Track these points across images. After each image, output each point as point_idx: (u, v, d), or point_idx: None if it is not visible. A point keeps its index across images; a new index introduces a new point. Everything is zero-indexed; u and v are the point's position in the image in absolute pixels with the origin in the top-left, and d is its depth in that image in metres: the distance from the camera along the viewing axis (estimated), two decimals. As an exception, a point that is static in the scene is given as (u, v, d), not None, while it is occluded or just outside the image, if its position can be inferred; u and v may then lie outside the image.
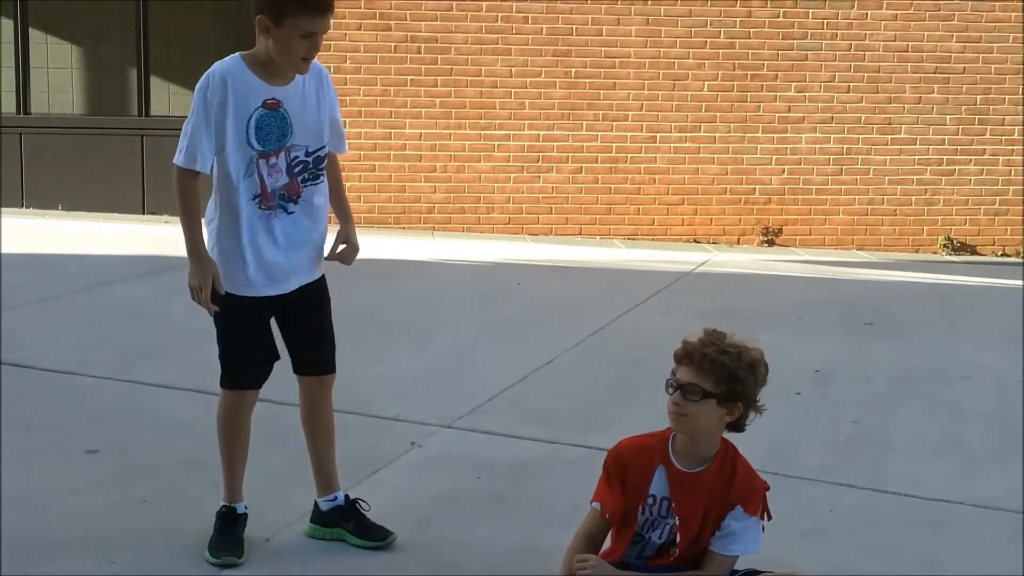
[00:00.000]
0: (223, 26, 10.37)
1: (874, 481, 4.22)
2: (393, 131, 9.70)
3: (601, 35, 9.72)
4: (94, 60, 10.49)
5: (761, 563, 3.04)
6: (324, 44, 3.31)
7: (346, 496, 3.61)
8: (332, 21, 3.28)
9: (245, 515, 3.53)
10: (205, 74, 3.32)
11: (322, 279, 3.54)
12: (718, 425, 2.88)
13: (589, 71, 9.75)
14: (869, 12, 9.82)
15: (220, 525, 3.49)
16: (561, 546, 3.09)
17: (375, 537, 3.53)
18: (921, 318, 7.00)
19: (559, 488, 4.01)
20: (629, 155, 9.87)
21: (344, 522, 3.56)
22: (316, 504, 3.62)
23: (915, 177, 10.03)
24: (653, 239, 9.89)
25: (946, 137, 10.00)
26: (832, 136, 9.95)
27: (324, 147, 3.44)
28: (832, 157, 9.97)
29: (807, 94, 9.89)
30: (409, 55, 9.60)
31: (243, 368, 3.48)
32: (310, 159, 3.40)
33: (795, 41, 9.81)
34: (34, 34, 10.32)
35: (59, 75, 10.38)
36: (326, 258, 3.53)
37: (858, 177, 9.99)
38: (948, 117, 9.97)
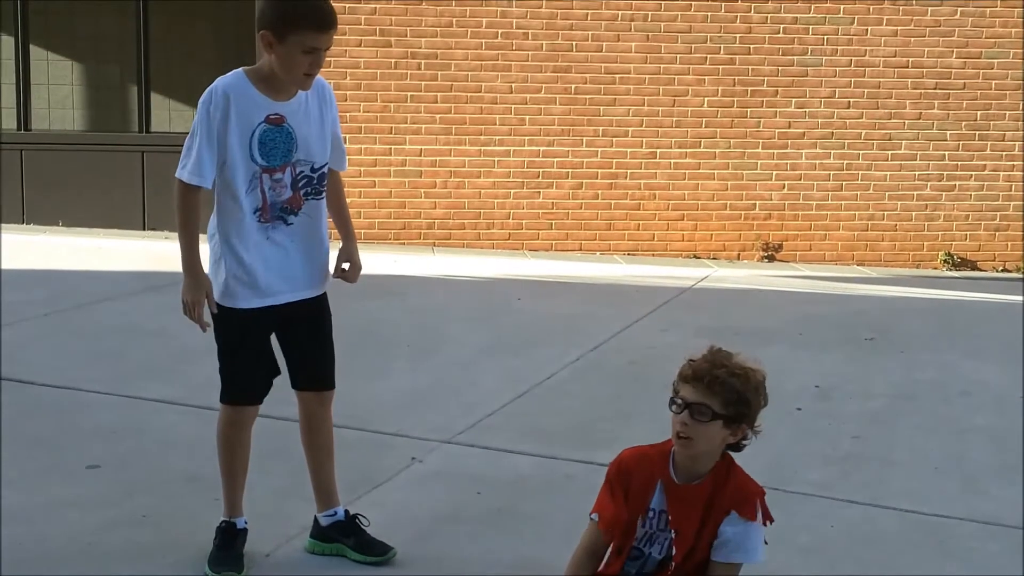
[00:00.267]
0: (223, 43, 10.41)
1: (874, 497, 4.22)
2: (393, 147, 9.72)
3: (601, 51, 9.75)
4: (94, 77, 10.52)
5: (758, 573, 3.04)
6: (324, 60, 3.32)
7: (346, 511, 3.61)
8: (334, 37, 3.29)
9: (245, 530, 3.53)
10: (208, 89, 3.33)
11: (323, 296, 3.54)
12: (720, 446, 2.87)
13: (589, 87, 9.78)
14: (869, 28, 9.85)
15: (220, 540, 3.48)
16: (561, 561, 3.09)
17: (375, 552, 3.52)
18: (921, 334, 7.00)
19: (559, 503, 4.01)
20: (629, 171, 9.89)
21: (344, 537, 3.56)
22: (316, 519, 3.62)
23: (915, 193, 10.05)
24: (653, 255, 9.89)
25: (946, 153, 10.02)
26: (832, 152, 9.96)
27: (327, 163, 3.46)
28: (832, 173, 9.99)
29: (807, 110, 9.91)
30: (409, 71, 9.63)
31: (243, 383, 3.48)
32: (315, 175, 3.41)
33: (795, 57, 9.84)
34: (35, 51, 10.35)
35: (59, 92, 10.41)
36: (334, 276, 3.54)
37: (858, 193, 10.01)
38: (948, 133, 9.99)
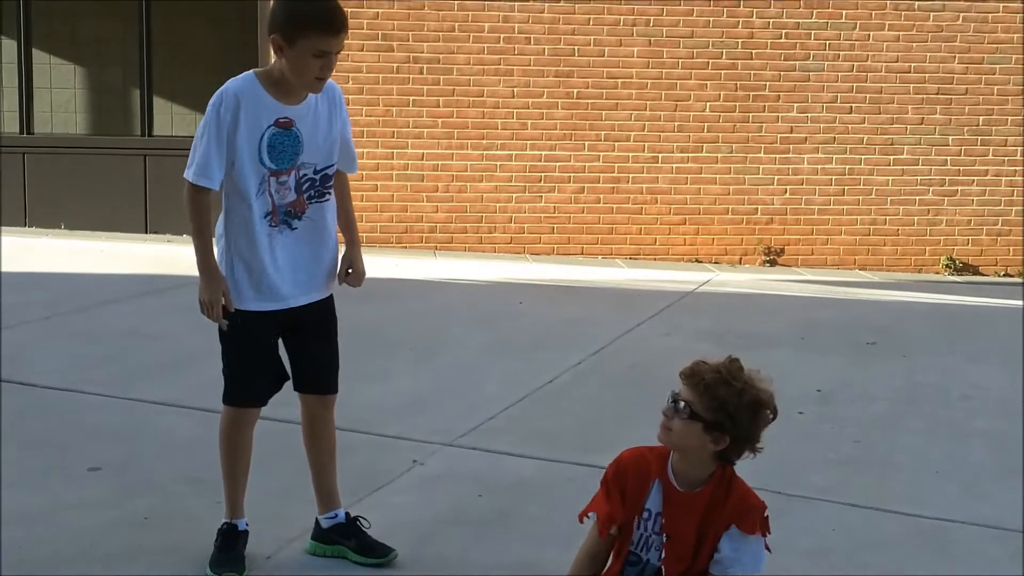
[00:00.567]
0: (226, 47, 10.42)
1: (876, 500, 4.21)
2: (395, 151, 9.73)
3: (603, 56, 9.76)
4: (97, 81, 10.54)
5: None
6: (335, 64, 3.30)
7: (347, 513, 3.61)
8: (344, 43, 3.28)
9: (246, 532, 3.52)
10: (218, 91, 3.32)
11: (330, 299, 3.54)
12: (702, 449, 2.84)
13: (591, 92, 9.78)
14: (871, 33, 9.85)
15: (221, 542, 3.48)
16: (562, 564, 3.09)
17: (376, 554, 3.52)
18: (923, 338, 7.00)
19: (560, 506, 4.00)
20: (631, 175, 9.89)
21: (345, 539, 3.56)
22: (317, 521, 3.62)
23: (917, 197, 10.05)
24: (655, 259, 9.89)
25: (948, 158, 10.03)
26: (834, 156, 9.97)
27: (332, 165, 3.44)
28: (834, 177, 9.99)
29: (809, 115, 9.91)
30: (411, 76, 9.64)
31: (245, 385, 3.48)
32: (317, 177, 3.41)
33: (797, 62, 9.85)
34: (37, 55, 10.37)
35: (62, 96, 10.43)
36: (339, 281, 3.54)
37: (860, 197, 10.01)
38: (950, 138, 9.99)
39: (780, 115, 9.89)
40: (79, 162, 10.17)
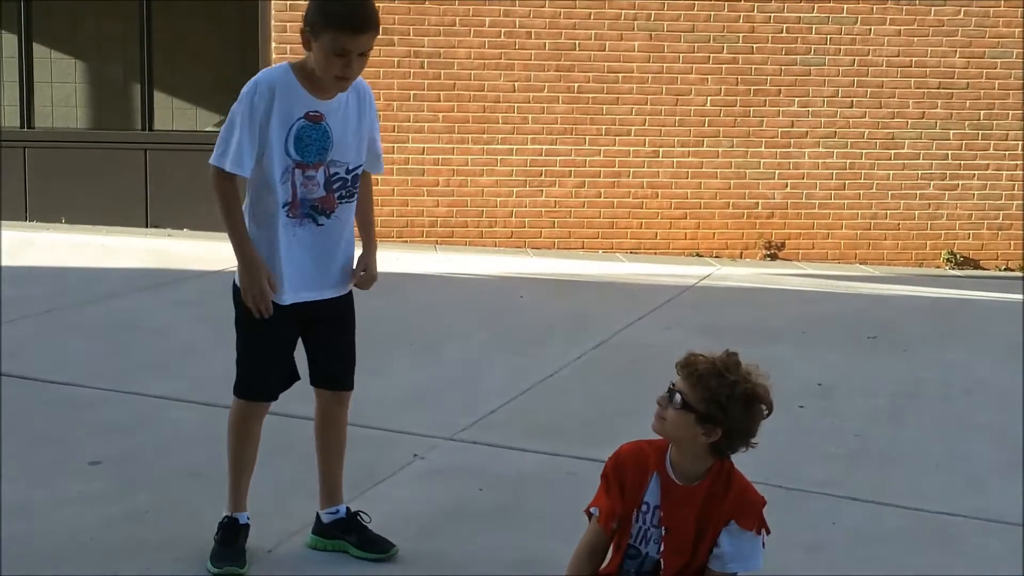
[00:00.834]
0: (227, 41, 10.41)
1: (877, 494, 4.22)
2: (396, 145, 9.71)
3: (604, 50, 9.75)
4: (98, 75, 10.53)
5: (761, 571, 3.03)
6: (363, 64, 3.28)
7: (347, 508, 3.61)
8: (370, 44, 3.23)
9: (247, 526, 3.52)
10: (253, 80, 3.32)
11: (349, 296, 3.54)
12: (694, 441, 2.84)
13: (592, 86, 9.78)
14: (872, 28, 9.84)
15: (221, 535, 3.48)
16: (563, 558, 3.09)
17: (377, 549, 3.52)
18: (924, 332, 7.00)
19: (561, 500, 4.01)
20: (632, 169, 9.89)
21: (345, 534, 3.56)
22: (318, 516, 3.62)
23: (918, 191, 10.04)
24: (656, 253, 9.89)
25: (949, 152, 10.02)
26: (835, 151, 9.96)
27: (361, 165, 3.44)
28: (835, 171, 9.98)
29: (810, 109, 9.90)
30: (412, 70, 9.63)
31: (257, 378, 3.45)
32: (349, 176, 3.40)
33: (798, 56, 9.84)
34: (38, 49, 10.36)
35: (63, 90, 10.42)
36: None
37: (861, 191, 10.01)
38: (951, 132, 9.98)
39: (781, 109, 9.88)
40: (80, 156, 10.16)
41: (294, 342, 3.50)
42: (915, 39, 9.86)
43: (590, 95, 9.78)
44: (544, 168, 9.86)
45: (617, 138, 9.84)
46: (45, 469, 4.22)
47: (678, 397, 2.81)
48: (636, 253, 9.88)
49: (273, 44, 9.59)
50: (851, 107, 9.91)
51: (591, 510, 2.99)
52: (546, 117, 9.79)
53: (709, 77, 9.81)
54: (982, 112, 9.96)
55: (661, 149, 9.88)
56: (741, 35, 9.78)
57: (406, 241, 9.76)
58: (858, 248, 10.04)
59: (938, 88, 9.92)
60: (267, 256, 3.35)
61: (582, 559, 3.00)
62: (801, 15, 9.80)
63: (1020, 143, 9.99)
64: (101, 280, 7.77)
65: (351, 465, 4.05)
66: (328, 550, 3.57)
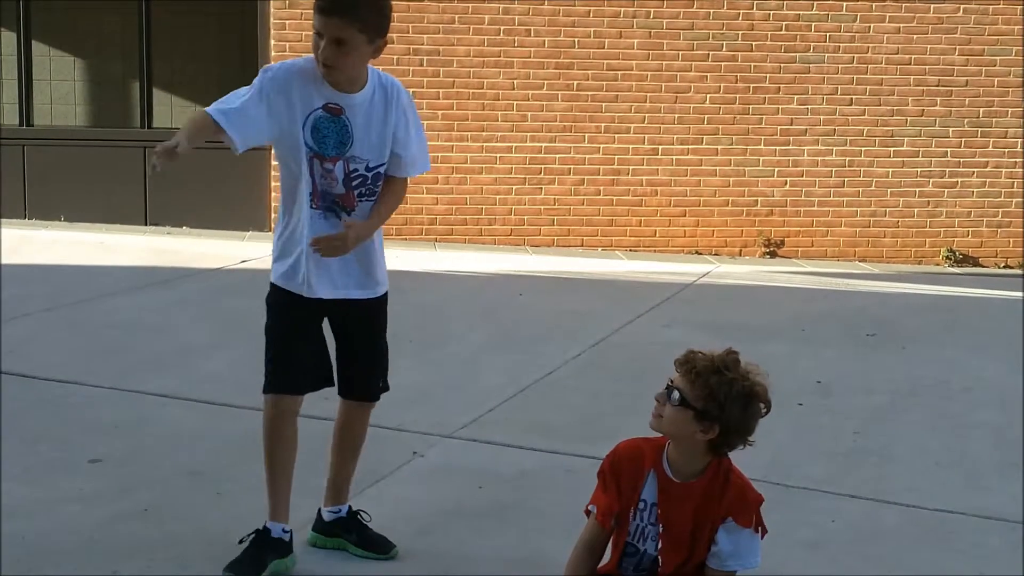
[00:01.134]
0: (226, 39, 10.40)
1: (876, 492, 4.22)
2: (396, 143, 9.71)
3: (603, 48, 9.75)
4: (97, 73, 10.52)
5: (762, 574, 3.04)
6: (341, 53, 3.17)
7: (349, 507, 3.60)
8: (340, 33, 3.13)
9: (281, 540, 3.37)
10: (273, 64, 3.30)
11: (377, 302, 3.45)
12: (692, 438, 2.84)
13: (591, 84, 9.78)
14: (871, 25, 9.85)
15: (248, 545, 3.36)
16: (562, 555, 3.09)
17: (377, 549, 3.51)
18: (923, 330, 7.00)
19: (560, 498, 4.01)
20: (631, 167, 9.89)
21: (346, 532, 3.55)
22: (320, 513, 3.61)
23: (917, 189, 10.05)
24: (655, 251, 9.90)
25: (948, 149, 10.02)
26: (834, 148, 9.96)
27: (384, 164, 3.35)
28: (834, 169, 9.99)
29: (809, 107, 9.91)
30: (411, 68, 9.63)
31: (283, 369, 3.35)
32: (369, 175, 3.31)
33: (797, 54, 9.84)
34: (37, 47, 10.35)
35: (62, 87, 10.41)
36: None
37: (860, 189, 10.01)
38: (951, 130, 9.99)
39: (780, 107, 9.88)
40: (79, 154, 10.16)
41: (319, 336, 3.42)
42: (914, 36, 9.86)
43: (589, 93, 9.78)
44: (543, 166, 9.86)
45: (616, 136, 9.84)
46: (45, 467, 4.22)
47: (676, 394, 2.81)
48: (635, 251, 9.89)
49: (272, 42, 9.59)
50: (850, 104, 9.91)
51: (589, 508, 3.00)
52: (545, 115, 9.79)
53: (708, 75, 9.81)
54: (981, 110, 9.96)
55: (660, 147, 9.88)
56: (740, 33, 9.78)
57: (405, 239, 9.76)
58: (857, 246, 10.04)
59: (937, 85, 9.92)
60: (294, 248, 3.30)
61: (580, 557, 3.01)
62: (800, 12, 9.80)
63: (1019, 140, 9.99)
64: (100, 278, 7.77)
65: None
66: (328, 547, 3.56)
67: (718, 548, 2.88)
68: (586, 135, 9.84)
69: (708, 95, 9.84)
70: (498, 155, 9.83)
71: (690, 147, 9.89)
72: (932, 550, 3.76)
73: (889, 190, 10.02)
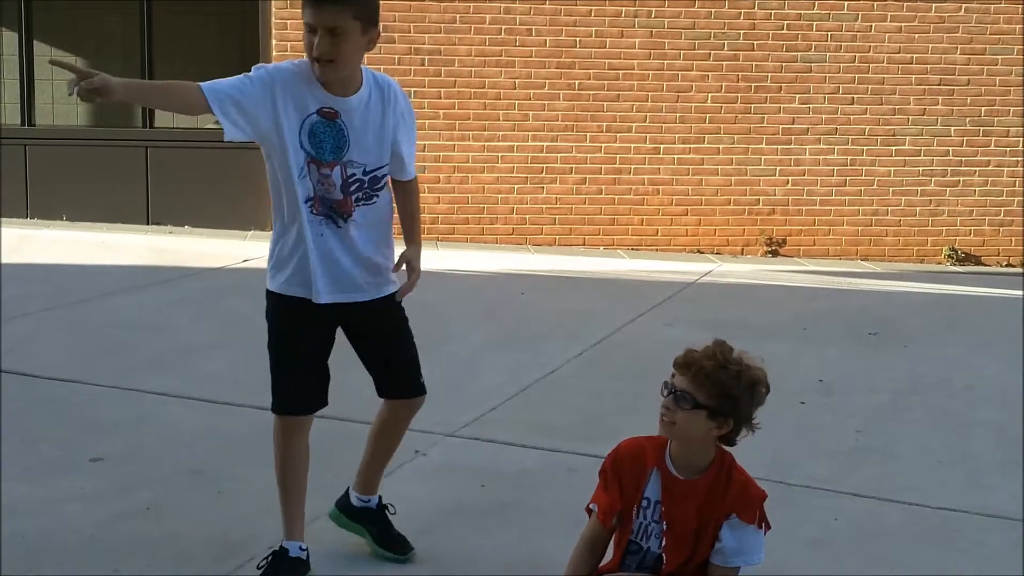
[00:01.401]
0: (227, 38, 10.41)
1: (878, 490, 4.21)
2: (397, 142, 9.71)
3: (605, 47, 9.74)
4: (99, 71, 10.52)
5: (764, 571, 3.03)
6: (335, 46, 3.09)
7: (379, 499, 3.56)
8: (336, 22, 3.05)
9: (299, 560, 3.29)
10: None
11: (389, 298, 3.37)
12: (706, 436, 2.85)
13: (593, 83, 9.77)
14: (873, 24, 9.84)
15: (268, 566, 3.29)
16: (564, 554, 3.09)
17: (395, 549, 3.47)
18: (925, 328, 6.99)
19: (562, 497, 4.01)
20: (633, 166, 9.88)
21: (369, 524, 3.51)
22: (348, 493, 3.55)
23: (919, 188, 10.04)
24: (657, 250, 9.89)
25: (950, 149, 10.02)
26: (836, 147, 9.96)
27: (383, 167, 3.27)
28: (836, 168, 9.98)
29: (811, 106, 9.90)
30: (413, 67, 9.63)
31: (292, 390, 3.29)
32: (366, 178, 3.23)
33: (799, 53, 9.83)
34: (38, 47, 10.36)
35: (63, 87, 10.34)
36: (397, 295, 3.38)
37: (862, 188, 10.00)
38: (952, 129, 9.98)
39: (782, 106, 9.88)
40: (80, 154, 10.16)
41: (327, 351, 3.35)
42: (916, 35, 9.85)
43: (591, 92, 9.78)
44: (545, 165, 9.85)
45: (618, 135, 9.83)
46: (45, 466, 4.22)
47: (687, 398, 2.80)
48: (637, 250, 9.88)
49: (273, 41, 9.59)
50: (852, 104, 9.91)
51: (590, 506, 3.00)
52: (547, 114, 9.79)
53: (710, 74, 9.81)
54: (983, 109, 9.95)
55: (662, 146, 9.88)
56: (742, 32, 9.77)
57: (407, 238, 9.74)
58: (859, 244, 10.04)
59: (939, 84, 9.91)
60: (298, 255, 3.22)
61: (582, 556, 3.00)
62: (802, 12, 9.79)
63: (1021, 139, 9.99)
64: (102, 277, 7.77)
65: (353, 462, 4.05)
66: (344, 528, 3.53)
67: (722, 545, 2.87)
68: (588, 134, 9.84)
69: (710, 94, 9.83)
70: (500, 154, 9.83)
71: (692, 146, 9.89)
72: (934, 548, 3.75)
73: (891, 189, 10.02)
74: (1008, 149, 10.01)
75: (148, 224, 10.08)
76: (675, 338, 6.28)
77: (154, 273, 7.92)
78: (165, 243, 9.09)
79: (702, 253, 9.87)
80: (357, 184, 3.23)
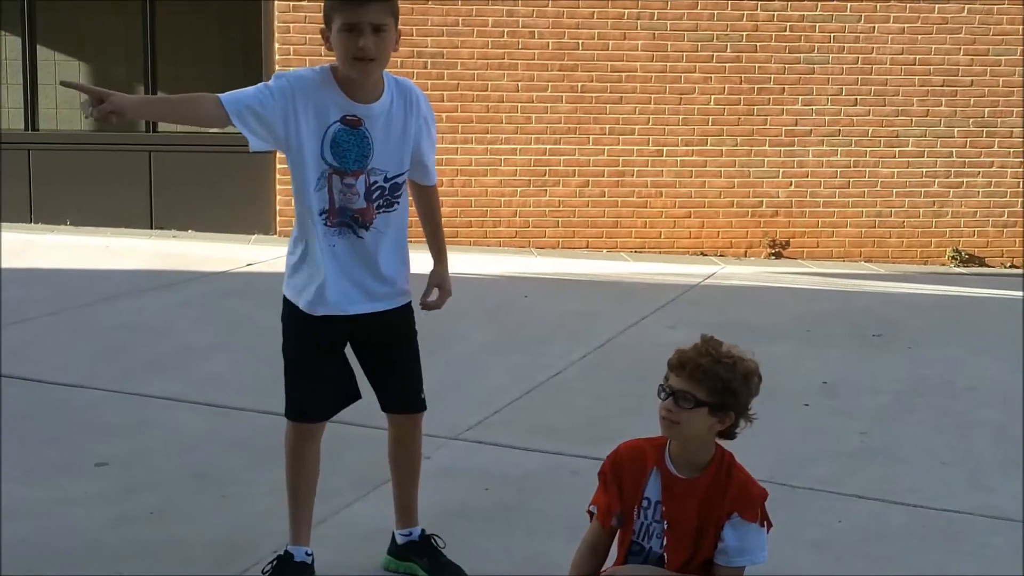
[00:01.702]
0: (230, 43, 10.42)
1: (882, 492, 4.21)
2: (400, 146, 9.71)
3: (607, 49, 9.74)
4: (101, 77, 10.54)
5: (768, 574, 3.03)
6: (380, 44, 3.05)
7: (422, 531, 3.52)
8: (381, 18, 3.02)
9: (304, 564, 3.30)
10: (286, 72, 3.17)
11: (399, 312, 3.36)
12: (708, 433, 2.87)
13: (595, 85, 9.77)
14: (876, 26, 9.83)
15: (272, 571, 3.29)
16: (568, 557, 3.09)
17: (447, 574, 3.44)
18: (929, 330, 6.99)
19: (566, 499, 4.00)
20: (636, 168, 9.88)
21: (417, 557, 3.47)
22: (393, 536, 3.53)
23: (923, 189, 10.03)
24: (660, 252, 9.89)
25: (954, 150, 10.01)
26: (839, 149, 9.95)
27: (403, 174, 3.25)
28: (839, 170, 9.97)
29: (814, 107, 9.89)
30: (416, 70, 9.63)
31: (304, 396, 3.28)
32: (387, 185, 3.21)
33: (802, 55, 9.83)
34: (42, 51, 10.38)
35: (66, 92, 10.41)
36: (421, 304, 3.37)
37: (866, 190, 10.00)
38: (956, 130, 9.97)
39: (785, 108, 9.87)
40: (84, 158, 10.18)
41: (340, 356, 3.32)
42: (919, 37, 9.85)
43: (593, 94, 9.78)
44: (548, 168, 9.85)
45: (621, 137, 9.83)
46: (50, 470, 4.23)
47: (687, 398, 2.81)
48: (640, 252, 9.88)
49: (276, 45, 9.60)
50: (855, 105, 9.90)
51: (590, 509, 3.01)
52: (549, 117, 9.79)
53: (712, 76, 9.80)
54: (987, 110, 9.94)
55: (665, 148, 9.88)
56: (744, 34, 9.77)
57: (410, 241, 9.73)
58: (863, 246, 10.03)
59: (942, 85, 9.91)
60: (309, 266, 3.20)
61: (583, 558, 3.01)
62: (804, 13, 9.79)
63: (1024, 140, 9.98)
64: (105, 281, 7.78)
65: (357, 465, 4.07)
66: (400, 571, 3.49)
67: (725, 545, 2.87)
68: (590, 137, 9.83)
69: (712, 96, 9.83)
70: (503, 157, 9.83)
71: (695, 148, 9.89)
72: (939, 550, 3.75)
73: (894, 190, 10.01)
74: (1011, 150, 10.00)
75: (152, 228, 10.09)
76: (679, 341, 6.24)
77: (158, 277, 7.93)
78: (168, 247, 9.10)
79: (705, 255, 9.86)
80: (379, 191, 3.21)
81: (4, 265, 7.96)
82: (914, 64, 9.88)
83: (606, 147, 9.85)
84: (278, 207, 9.80)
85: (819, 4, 9.79)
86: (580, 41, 9.73)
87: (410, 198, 3.41)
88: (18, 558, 3.45)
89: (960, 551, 3.74)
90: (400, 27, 3.17)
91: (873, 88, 9.88)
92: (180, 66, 10.33)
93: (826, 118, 9.90)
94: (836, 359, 6.15)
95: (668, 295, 7.82)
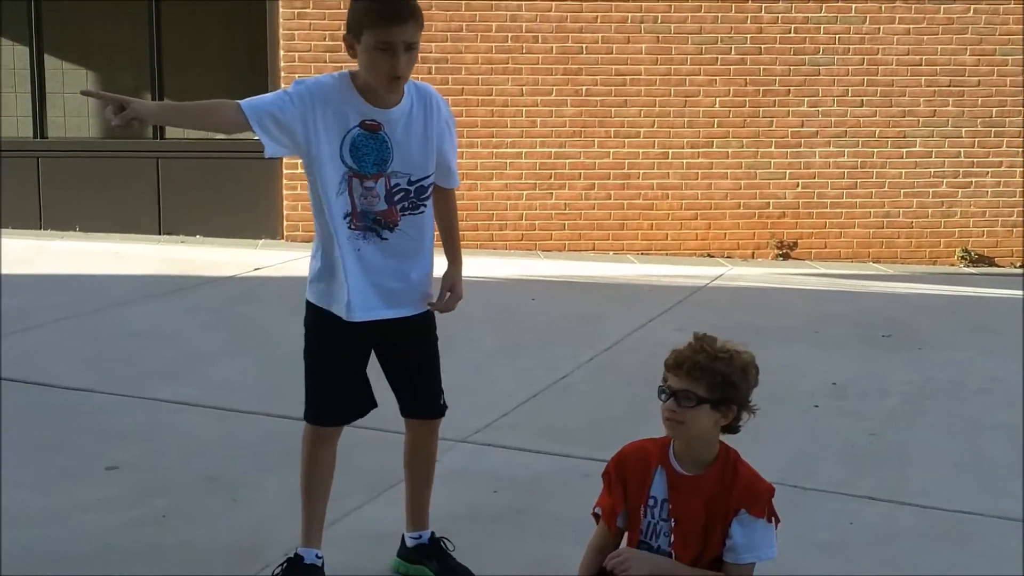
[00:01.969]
0: (236, 50, 10.44)
1: (893, 494, 4.21)
2: (407, 150, 9.72)
3: (611, 53, 9.75)
4: (109, 85, 10.56)
5: (780, 573, 3.03)
6: (412, 60, 3.13)
7: (432, 534, 3.53)
8: (414, 36, 3.09)
9: (314, 567, 3.31)
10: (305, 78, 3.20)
11: (423, 317, 3.35)
12: (713, 429, 2.88)
13: (600, 89, 9.78)
14: (881, 26, 9.83)
15: (281, 573, 3.30)
16: (577, 560, 3.09)
17: None
18: (938, 330, 6.97)
19: (575, 502, 3.99)
20: (641, 171, 9.89)
21: (427, 560, 3.48)
22: (403, 539, 3.54)
23: (931, 190, 10.02)
24: (667, 254, 9.89)
25: (962, 150, 9.99)
26: (846, 150, 9.95)
27: (428, 177, 3.24)
28: (847, 171, 9.97)
29: (820, 109, 9.89)
30: (420, 75, 9.63)
31: (324, 401, 3.29)
32: (412, 188, 3.20)
33: (807, 56, 9.83)
34: (50, 60, 10.41)
35: (75, 100, 10.46)
36: (429, 304, 3.34)
37: (873, 190, 9.99)
38: (963, 130, 9.96)
39: (790, 110, 9.87)
40: (92, 165, 10.20)
41: (363, 363, 3.34)
42: (924, 37, 9.84)
43: (598, 98, 9.78)
44: (553, 171, 9.86)
45: (626, 140, 9.84)
46: (61, 475, 4.24)
47: (689, 396, 2.82)
48: (647, 254, 9.88)
49: (281, 52, 9.61)
50: (861, 106, 9.90)
51: (595, 510, 3.01)
52: (554, 120, 9.80)
53: (717, 78, 9.81)
54: (994, 110, 9.93)
55: (670, 150, 9.88)
56: (749, 36, 9.77)
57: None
58: (871, 247, 10.02)
59: (949, 86, 9.90)
60: (332, 272, 3.20)
61: (591, 560, 3.01)
62: (809, 15, 9.79)
63: (1032, 140, 9.96)
64: (115, 287, 7.80)
65: (365, 469, 4.07)
66: (410, 574, 3.50)
67: (733, 542, 2.87)
68: (596, 140, 9.84)
69: (717, 99, 9.83)
70: (508, 161, 9.84)
71: (700, 150, 9.89)
72: (950, 552, 3.74)
73: (902, 191, 10.00)
74: (1020, 150, 9.98)
75: (160, 234, 10.12)
76: (686, 342, 6.28)
77: (167, 282, 7.95)
78: (177, 253, 9.12)
79: (712, 257, 9.86)
80: (402, 194, 3.21)
81: (15, 271, 7.98)
82: (920, 65, 9.87)
83: (611, 150, 9.85)
84: (285, 212, 9.82)
85: (823, 6, 9.79)
86: (584, 45, 9.74)
87: None
88: (29, 562, 3.46)
89: (971, 553, 3.74)
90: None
91: (879, 89, 9.88)
92: (186, 74, 10.35)
93: (832, 119, 9.90)
94: (845, 360, 6.14)
95: (675, 297, 7.82)
